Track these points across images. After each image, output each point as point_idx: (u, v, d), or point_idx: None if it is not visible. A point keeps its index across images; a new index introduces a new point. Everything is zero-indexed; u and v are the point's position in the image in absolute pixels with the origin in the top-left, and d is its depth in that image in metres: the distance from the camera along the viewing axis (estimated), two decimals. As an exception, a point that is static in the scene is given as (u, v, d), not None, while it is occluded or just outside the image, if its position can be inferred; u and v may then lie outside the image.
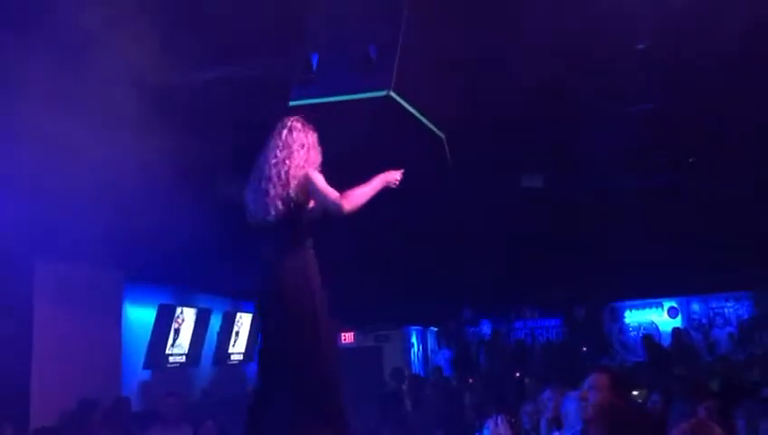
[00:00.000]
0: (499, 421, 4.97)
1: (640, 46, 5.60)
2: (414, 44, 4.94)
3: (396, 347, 14.77)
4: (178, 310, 10.44)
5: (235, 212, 3.78)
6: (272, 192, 3.48)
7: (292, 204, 3.48)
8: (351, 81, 4.86)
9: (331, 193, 3.44)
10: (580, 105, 6.55)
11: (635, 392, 7.46)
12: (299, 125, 3.68)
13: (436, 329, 16.73)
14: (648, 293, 15.35)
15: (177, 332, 10.45)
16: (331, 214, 3.48)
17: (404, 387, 10.90)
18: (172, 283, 10.22)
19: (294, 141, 3.60)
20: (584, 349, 15.31)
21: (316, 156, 3.65)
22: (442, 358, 14.82)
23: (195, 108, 5.20)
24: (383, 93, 4.78)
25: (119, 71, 4.43)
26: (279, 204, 3.47)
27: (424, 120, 5.19)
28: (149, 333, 9.89)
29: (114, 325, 8.82)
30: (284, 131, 3.63)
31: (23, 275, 7.32)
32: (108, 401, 7.75)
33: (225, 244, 7.44)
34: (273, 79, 5.17)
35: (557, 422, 6.53)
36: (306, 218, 3.57)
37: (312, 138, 3.68)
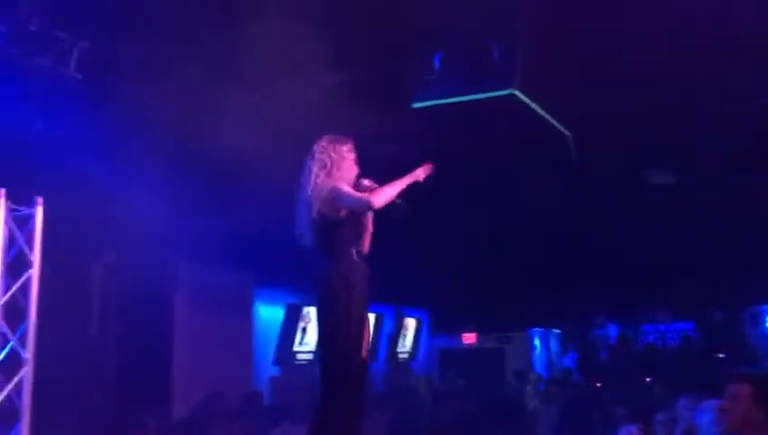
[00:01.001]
0: (633, 430, 4.77)
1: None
2: (537, 41, 4.86)
3: (518, 349, 14.55)
4: (305, 309, 10.75)
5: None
6: (303, 215, 3.72)
7: (318, 221, 3.67)
8: (474, 80, 4.86)
9: (356, 195, 3.61)
10: (711, 96, 6.20)
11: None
12: (323, 145, 3.82)
13: (559, 331, 16.33)
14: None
15: (304, 330, 10.77)
16: (362, 212, 3.67)
17: (528, 388, 10.70)
18: (299, 284, 10.54)
19: (315, 164, 3.76)
20: (721, 355, 14.42)
21: (340, 172, 3.75)
22: (569, 361, 14.44)
23: (318, 112, 5.32)
24: (507, 92, 4.75)
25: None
26: (306, 225, 3.70)
27: (549, 118, 5.10)
28: (278, 330, 10.27)
29: (246, 324, 9.22)
30: (309, 156, 3.82)
31: (166, 276, 7.79)
32: (240, 394, 8.09)
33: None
34: (396, 82, 5.23)
35: (693, 434, 6.18)
36: (341, 229, 3.69)
37: (338, 152, 3.79)
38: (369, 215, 3.81)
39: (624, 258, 9.90)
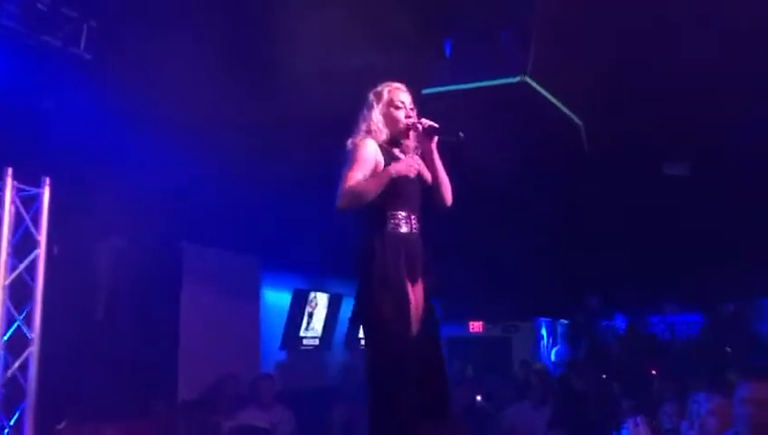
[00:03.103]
0: (639, 422, 4.74)
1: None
2: (550, 27, 4.78)
3: (525, 339, 14.55)
4: (312, 295, 10.76)
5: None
6: None
7: None
8: (485, 67, 4.80)
9: (344, 182, 3.15)
10: (738, 81, 6.01)
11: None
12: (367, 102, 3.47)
13: (566, 322, 16.28)
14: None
15: (310, 316, 10.79)
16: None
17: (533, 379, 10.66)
18: (306, 268, 10.53)
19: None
20: (728, 349, 14.32)
21: (372, 132, 3.36)
22: (565, 353, 14.40)
23: (327, 97, 5.25)
24: (517, 79, 4.69)
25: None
26: None
27: (561, 106, 5.04)
28: (285, 316, 10.28)
29: (253, 308, 9.22)
30: None
31: (173, 258, 7.77)
32: (248, 378, 8.09)
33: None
34: (410, 66, 5.15)
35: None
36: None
37: (369, 107, 3.42)
38: (435, 166, 3.40)
39: (632, 249, 9.83)
